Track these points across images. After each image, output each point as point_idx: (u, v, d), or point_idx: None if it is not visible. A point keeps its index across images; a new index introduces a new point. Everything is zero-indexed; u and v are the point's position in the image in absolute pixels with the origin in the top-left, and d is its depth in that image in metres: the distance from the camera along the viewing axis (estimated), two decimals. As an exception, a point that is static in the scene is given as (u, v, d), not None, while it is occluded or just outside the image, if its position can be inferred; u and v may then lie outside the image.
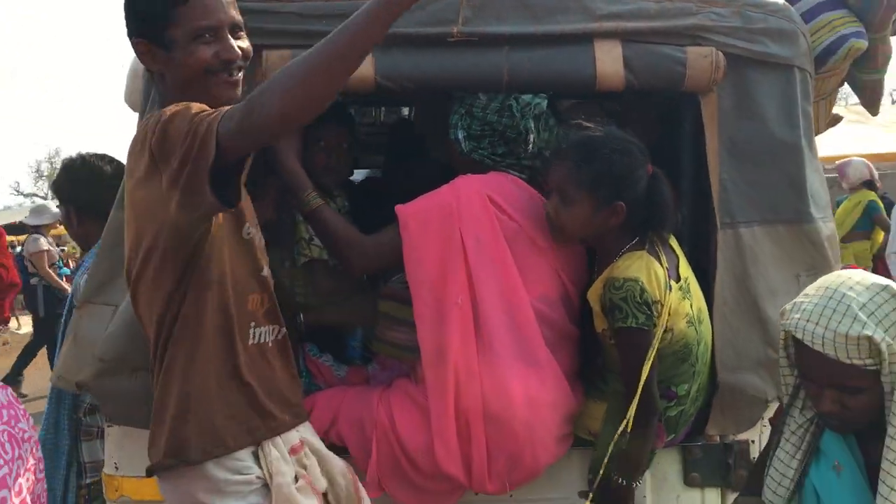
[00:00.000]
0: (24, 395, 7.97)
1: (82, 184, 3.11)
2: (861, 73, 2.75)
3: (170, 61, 1.89)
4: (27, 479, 1.37)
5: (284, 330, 2.08)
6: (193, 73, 1.88)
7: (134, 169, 1.87)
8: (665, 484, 2.48)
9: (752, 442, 2.49)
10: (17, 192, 46.01)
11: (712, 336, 2.37)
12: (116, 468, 2.39)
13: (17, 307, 10.98)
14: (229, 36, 1.90)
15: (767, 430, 2.46)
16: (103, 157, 3.20)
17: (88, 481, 2.94)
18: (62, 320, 3.03)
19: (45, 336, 8.31)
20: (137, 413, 2.18)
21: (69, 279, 8.95)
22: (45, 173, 45.86)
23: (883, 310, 1.54)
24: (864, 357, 1.52)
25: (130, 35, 1.93)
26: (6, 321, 2.48)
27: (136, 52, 1.94)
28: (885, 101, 2.96)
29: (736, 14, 2.35)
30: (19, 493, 1.33)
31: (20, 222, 12.09)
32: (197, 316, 1.87)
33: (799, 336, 1.58)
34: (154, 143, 1.75)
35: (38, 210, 8.94)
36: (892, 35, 2.74)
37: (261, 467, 1.92)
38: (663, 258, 2.24)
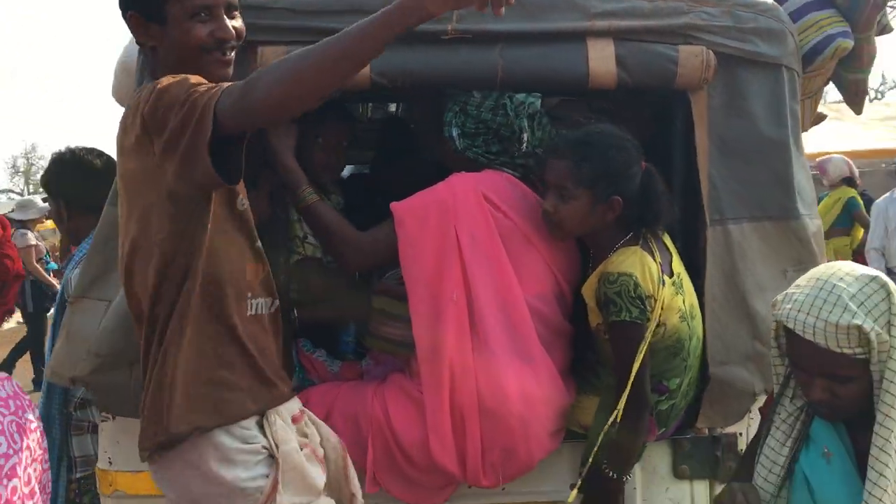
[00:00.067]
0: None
1: (72, 178, 3.10)
2: (846, 73, 2.80)
3: (164, 36, 1.91)
4: (35, 469, 1.38)
5: (277, 302, 2.08)
6: (187, 51, 1.89)
7: (124, 140, 1.87)
8: (655, 477, 2.52)
9: (740, 434, 2.53)
10: (-8, 188, 45.55)
11: (703, 331, 2.41)
12: (110, 463, 2.39)
13: (3, 302, 10.89)
14: (224, 15, 1.92)
15: (755, 423, 2.51)
16: (93, 150, 3.19)
17: (79, 475, 2.94)
18: (50, 315, 3.03)
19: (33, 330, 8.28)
20: (137, 405, 2.18)
21: (55, 274, 8.90)
22: (22, 169, 45.46)
23: (872, 300, 1.58)
24: (853, 346, 1.56)
25: (125, 8, 1.94)
26: (11, 312, 2.48)
27: (129, 25, 1.95)
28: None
29: (726, 14, 2.39)
30: (28, 482, 1.35)
31: (7, 216, 11.99)
32: (197, 288, 1.86)
33: (791, 326, 1.62)
34: (147, 111, 1.76)
35: (24, 205, 8.87)
36: (876, 35, 2.79)
37: (266, 437, 1.93)
38: (657, 254, 2.27)
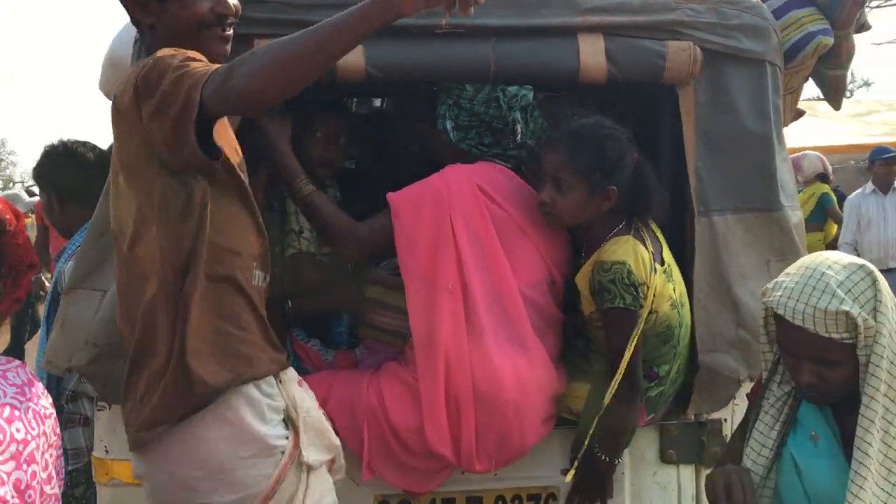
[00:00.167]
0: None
1: (64, 170, 3.10)
2: (826, 69, 2.88)
3: (163, 13, 1.92)
4: (51, 455, 1.40)
5: (268, 277, 2.10)
6: (187, 26, 1.91)
7: (117, 109, 1.87)
8: (643, 462, 2.57)
9: (725, 420, 2.60)
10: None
11: (691, 319, 2.48)
12: (107, 452, 2.41)
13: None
14: None
15: (740, 409, 2.57)
16: (85, 143, 3.20)
17: (70, 468, 2.94)
18: (46, 306, 3.03)
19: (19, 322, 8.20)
20: None
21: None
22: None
23: (859, 287, 1.64)
24: (841, 331, 1.63)
25: None
26: (21, 300, 2.47)
27: (126, 3, 1.95)
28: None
29: (712, 10, 2.45)
30: (46, 468, 1.37)
31: None
32: (209, 254, 1.87)
33: (781, 312, 1.68)
34: (140, 77, 1.76)
35: (10, 199, 8.78)
36: (854, 32, 2.87)
37: (282, 399, 1.96)
38: (648, 243, 2.34)
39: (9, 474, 1.26)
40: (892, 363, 1.65)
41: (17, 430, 1.31)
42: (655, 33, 2.40)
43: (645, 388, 2.39)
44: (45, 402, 1.43)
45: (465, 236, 2.28)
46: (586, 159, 2.26)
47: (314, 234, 2.57)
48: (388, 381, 2.37)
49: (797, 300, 1.65)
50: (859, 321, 1.61)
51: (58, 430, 1.46)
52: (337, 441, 2.09)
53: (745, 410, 2.13)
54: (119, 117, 1.86)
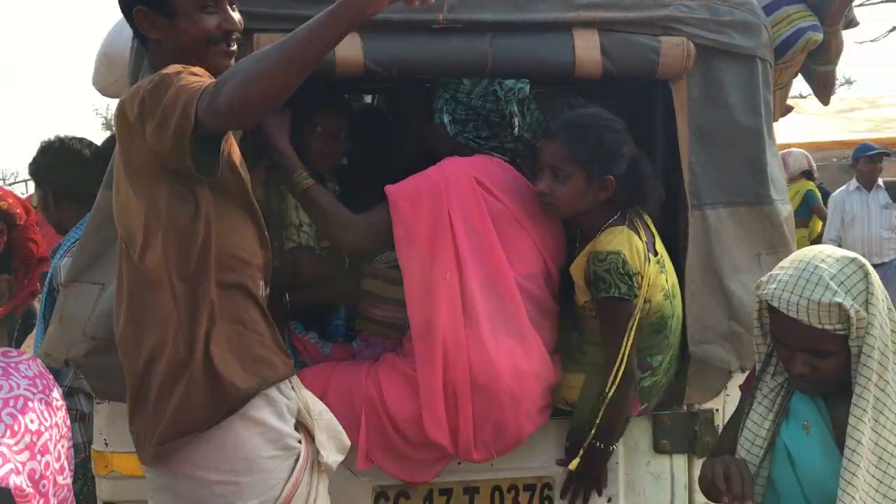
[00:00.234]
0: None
1: (60, 167, 3.10)
2: (815, 65, 2.93)
3: (171, 29, 1.95)
4: (63, 446, 1.42)
5: (268, 289, 2.13)
6: (194, 42, 1.94)
7: (123, 122, 1.89)
8: (637, 452, 2.62)
9: (717, 410, 2.65)
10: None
11: (683, 311, 2.51)
12: (106, 444, 2.42)
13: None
14: (229, 7, 1.98)
15: (731, 399, 2.62)
16: (81, 140, 3.20)
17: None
18: (42, 302, 3.02)
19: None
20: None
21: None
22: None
23: (851, 280, 1.68)
24: (834, 323, 1.67)
25: (131, 4, 1.97)
26: (36, 294, 2.46)
27: (136, 20, 1.98)
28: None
29: (704, 7, 2.49)
30: (58, 458, 1.39)
31: None
32: (220, 263, 1.91)
33: (775, 304, 1.72)
34: (147, 92, 1.79)
35: None
36: (842, 29, 2.92)
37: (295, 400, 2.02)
38: (642, 233, 2.37)
39: (24, 464, 1.28)
40: (882, 354, 1.69)
41: (31, 421, 1.33)
42: (649, 29, 2.44)
43: (639, 378, 2.43)
44: (56, 393, 1.45)
45: (462, 228, 2.31)
46: (585, 149, 2.29)
47: (314, 229, 2.59)
48: (386, 372, 2.40)
49: (791, 292, 1.69)
50: (852, 313, 1.65)
51: (68, 422, 1.47)
52: (348, 442, 2.14)
53: (736, 401, 2.17)
54: (128, 129, 1.88)
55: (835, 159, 10.87)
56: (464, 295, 2.30)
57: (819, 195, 7.93)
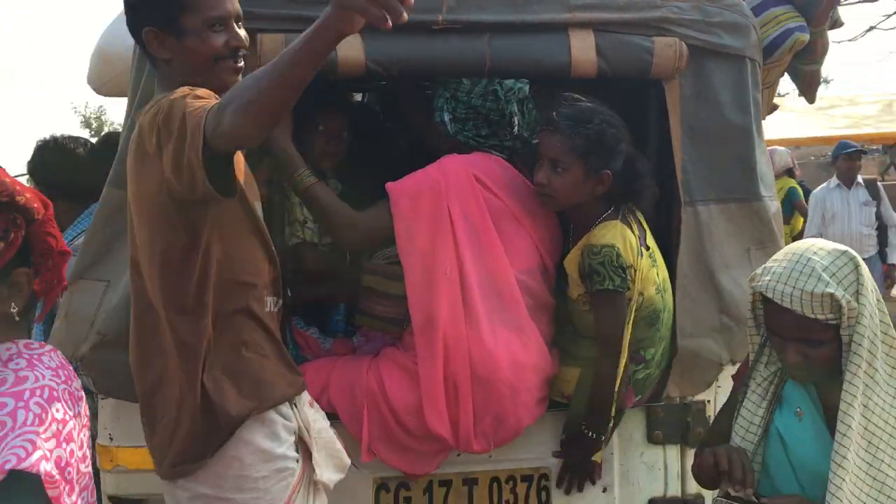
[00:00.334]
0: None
1: (54, 166, 3.12)
2: (801, 64, 3.00)
3: (180, 48, 1.98)
4: (84, 435, 1.46)
5: (281, 301, 2.19)
6: (202, 60, 1.98)
7: (140, 149, 1.93)
8: (631, 443, 2.68)
9: (708, 402, 2.72)
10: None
11: (674, 305, 2.58)
12: (111, 439, 2.46)
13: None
14: (235, 25, 2.01)
15: (722, 391, 2.68)
16: (77, 139, 3.22)
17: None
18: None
19: None
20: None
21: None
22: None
23: (843, 271, 1.75)
24: (826, 312, 1.73)
25: (140, 25, 2.01)
26: (65, 288, 2.44)
27: (145, 41, 2.01)
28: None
29: (695, 8, 2.55)
30: (81, 447, 1.43)
31: None
32: (222, 287, 1.96)
33: (770, 295, 1.78)
34: (161, 121, 1.83)
35: None
36: (828, 29, 3.00)
37: (295, 420, 2.05)
38: (634, 228, 2.43)
39: (51, 451, 1.31)
40: (872, 342, 1.76)
41: (57, 411, 1.36)
42: (643, 30, 2.50)
43: (633, 370, 2.49)
44: (76, 384, 1.48)
45: (462, 225, 2.36)
46: (584, 142, 2.35)
47: (317, 225, 2.64)
48: (387, 365, 2.45)
49: (785, 284, 1.75)
50: (843, 303, 1.71)
51: (87, 412, 1.51)
52: (348, 461, 2.18)
53: (727, 393, 2.24)
54: (143, 154, 1.91)
55: (813, 157, 11.04)
56: (464, 290, 2.35)
57: (801, 192, 8.06)
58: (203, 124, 1.71)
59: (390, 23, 1.46)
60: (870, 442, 1.77)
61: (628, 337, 2.36)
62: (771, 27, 2.78)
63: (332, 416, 2.38)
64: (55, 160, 3.10)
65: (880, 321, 1.78)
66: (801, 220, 7.93)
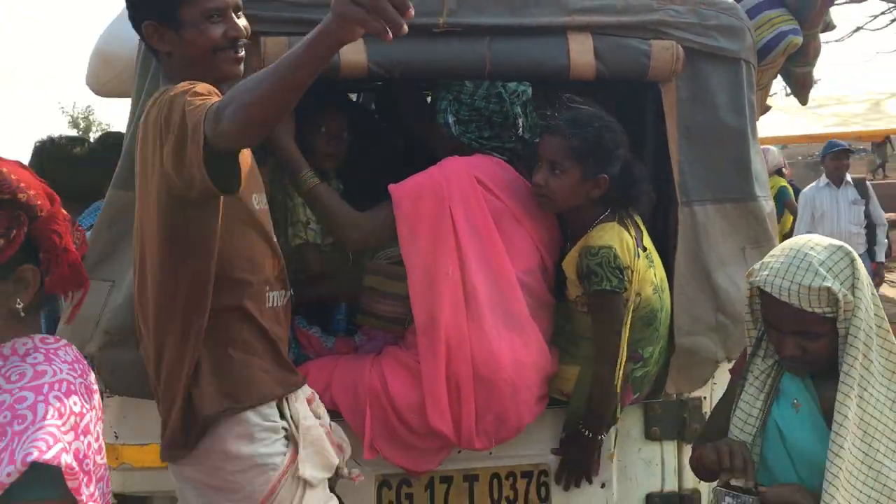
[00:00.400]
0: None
1: (52, 166, 3.13)
2: (794, 66, 3.06)
3: (179, 41, 2.01)
4: (100, 428, 1.49)
5: (290, 294, 2.22)
6: (201, 51, 2.01)
7: (144, 144, 1.96)
8: (629, 439, 2.72)
9: (704, 398, 2.76)
10: None
11: (671, 304, 2.62)
12: (116, 437, 2.48)
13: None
14: (234, 15, 2.04)
15: (718, 388, 2.73)
16: (74, 138, 3.24)
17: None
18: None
19: None
20: (144, 383, 2.26)
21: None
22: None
23: (839, 266, 1.80)
24: (823, 306, 1.78)
25: (140, 19, 2.04)
26: (82, 286, 2.43)
27: (145, 34, 2.04)
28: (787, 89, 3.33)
29: (692, 11, 2.59)
30: (97, 439, 1.46)
31: None
32: (216, 284, 1.98)
33: (768, 290, 1.83)
34: (163, 118, 1.85)
35: None
36: (820, 32, 3.05)
37: (284, 418, 2.06)
38: (631, 230, 2.47)
39: (70, 444, 1.34)
40: (867, 335, 1.81)
41: (74, 404, 1.39)
42: (640, 33, 2.54)
43: (631, 369, 2.53)
44: (91, 377, 1.51)
45: (464, 226, 2.39)
46: (583, 145, 2.39)
47: (320, 226, 2.67)
48: (389, 364, 2.48)
49: (783, 278, 1.80)
50: (840, 296, 1.76)
51: (101, 406, 1.54)
52: (335, 460, 2.19)
53: (722, 389, 2.28)
54: (146, 152, 1.94)
55: (800, 157, 11.14)
56: (466, 290, 2.38)
57: (791, 191, 8.14)
58: (203, 122, 1.73)
59: (391, 35, 1.47)
60: (865, 432, 1.81)
61: (626, 337, 2.40)
62: (765, 30, 2.83)
63: (335, 414, 2.42)
64: (52, 161, 3.11)
65: (875, 314, 1.83)
66: (791, 218, 8.00)
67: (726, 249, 2.72)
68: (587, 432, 2.51)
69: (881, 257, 7.43)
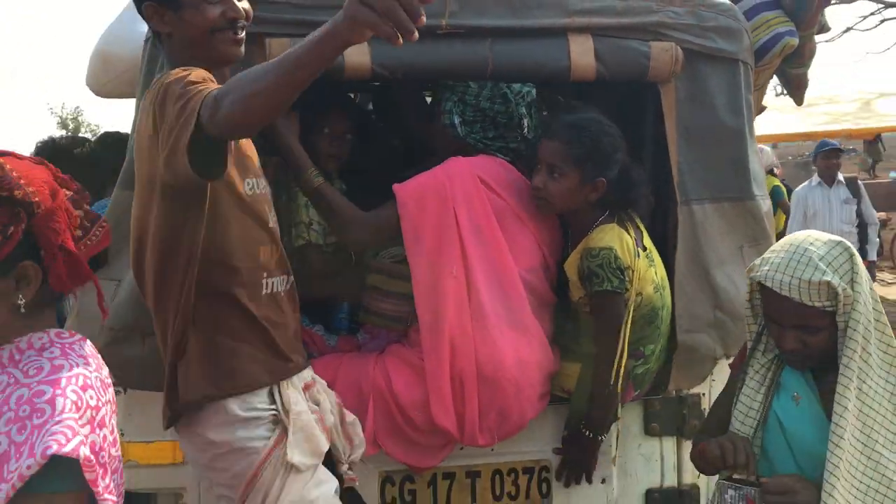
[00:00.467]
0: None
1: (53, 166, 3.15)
2: (790, 67, 3.09)
3: (178, 21, 2.04)
4: (114, 421, 1.51)
5: (292, 279, 2.23)
6: (200, 32, 2.03)
7: (142, 129, 1.98)
8: (629, 435, 2.76)
9: (703, 395, 2.80)
10: None
11: (672, 302, 2.65)
12: (122, 434, 2.49)
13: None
14: None
15: (716, 384, 2.76)
16: (74, 138, 3.26)
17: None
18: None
19: None
20: (150, 377, 2.30)
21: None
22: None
23: (838, 260, 1.84)
24: (823, 300, 1.82)
25: (141, 0, 2.06)
26: (85, 281, 2.43)
27: (145, 15, 2.07)
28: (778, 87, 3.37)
29: (691, 13, 2.63)
30: (112, 432, 1.48)
31: None
32: (204, 271, 2.00)
33: (769, 284, 1.86)
34: (158, 104, 1.87)
35: None
36: (815, 33, 3.09)
37: (274, 404, 2.08)
38: (631, 230, 2.51)
39: (87, 437, 1.36)
40: (866, 328, 1.85)
41: (91, 398, 1.41)
42: (640, 34, 2.57)
43: (633, 366, 2.56)
44: (105, 371, 1.53)
45: (467, 225, 2.42)
46: (581, 149, 2.42)
47: (322, 227, 2.69)
48: (393, 361, 2.50)
49: (783, 273, 1.84)
50: (839, 290, 1.80)
51: (115, 400, 1.56)
52: (324, 448, 2.18)
53: (721, 386, 2.32)
54: (142, 139, 1.97)
55: (790, 157, 11.21)
56: (470, 289, 2.41)
57: (784, 190, 8.20)
58: (198, 110, 1.74)
59: (401, 40, 1.45)
60: (864, 423, 1.85)
61: (627, 336, 2.43)
62: (762, 31, 2.87)
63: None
64: (52, 161, 3.13)
65: (873, 308, 1.87)
66: (784, 217, 8.07)
67: (724, 248, 2.76)
68: (588, 433, 2.54)
69: (873, 256, 7.50)
